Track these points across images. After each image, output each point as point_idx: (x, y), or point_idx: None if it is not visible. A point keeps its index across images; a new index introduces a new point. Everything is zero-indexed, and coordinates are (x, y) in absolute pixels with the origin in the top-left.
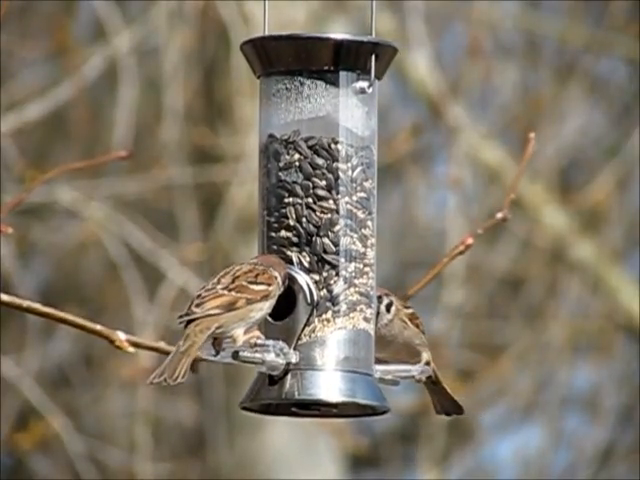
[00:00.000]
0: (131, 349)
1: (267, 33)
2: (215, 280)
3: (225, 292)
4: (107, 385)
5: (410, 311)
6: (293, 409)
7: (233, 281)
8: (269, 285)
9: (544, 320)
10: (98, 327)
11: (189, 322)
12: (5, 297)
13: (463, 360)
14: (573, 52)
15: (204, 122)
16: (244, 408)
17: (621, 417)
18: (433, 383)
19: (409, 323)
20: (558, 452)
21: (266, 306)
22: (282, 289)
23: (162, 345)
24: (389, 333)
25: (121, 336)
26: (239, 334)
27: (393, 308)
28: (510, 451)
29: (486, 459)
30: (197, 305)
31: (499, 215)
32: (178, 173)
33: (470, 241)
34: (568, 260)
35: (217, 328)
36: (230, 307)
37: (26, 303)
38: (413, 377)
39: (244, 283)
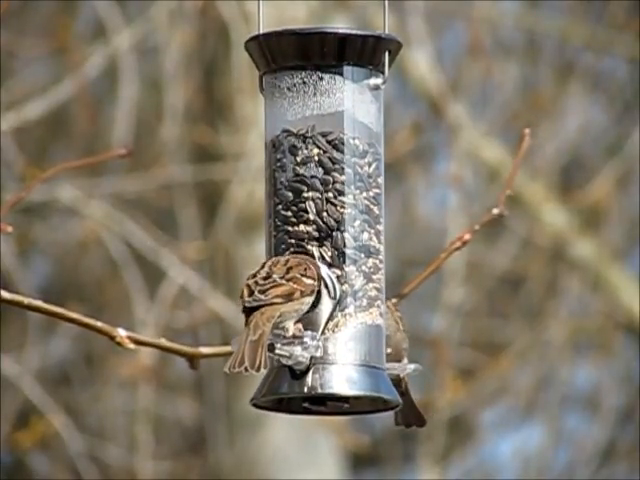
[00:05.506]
0: (132, 346)
1: (275, 29)
2: (267, 269)
3: (283, 282)
4: (107, 383)
5: (399, 314)
6: (305, 405)
7: (288, 272)
8: (314, 280)
9: (544, 319)
10: (99, 324)
11: (251, 310)
12: (6, 294)
13: (463, 359)
14: (573, 50)
15: (204, 120)
16: (255, 405)
17: (621, 416)
18: (402, 394)
19: (401, 326)
20: (558, 451)
21: (311, 301)
22: (318, 288)
23: (163, 342)
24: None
25: (122, 333)
26: (290, 325)
27: None
28: (510, 450)
29: (486, 458)
30: (260, 292)
31: (495, 211)
32: (178, 171)
33: (467, 237)
34: (568, 258)
35: (278, 317)
36: (289, 297)
37: (27, 300)
38: (398, 375)
39: (298, 275)
